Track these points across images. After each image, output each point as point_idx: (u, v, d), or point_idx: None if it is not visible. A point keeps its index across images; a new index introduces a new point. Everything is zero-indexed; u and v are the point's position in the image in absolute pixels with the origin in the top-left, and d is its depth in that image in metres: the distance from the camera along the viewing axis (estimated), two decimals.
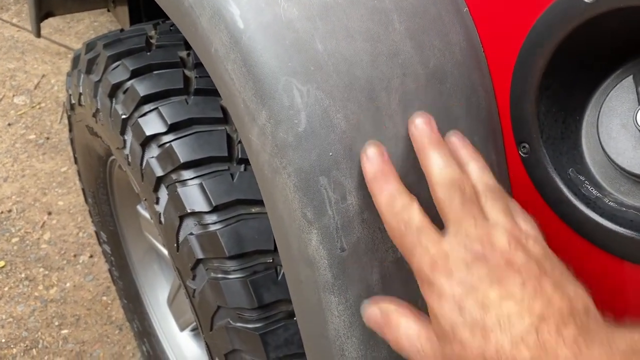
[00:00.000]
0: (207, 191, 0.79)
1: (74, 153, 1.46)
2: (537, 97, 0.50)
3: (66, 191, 2.33)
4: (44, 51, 3.29)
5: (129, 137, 0.90)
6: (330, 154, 0.47)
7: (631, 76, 0.47)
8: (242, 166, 0.83)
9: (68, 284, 1.96)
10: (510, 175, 0.54)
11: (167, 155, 0.83)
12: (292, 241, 0.50)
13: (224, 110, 0.87)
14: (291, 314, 0.79)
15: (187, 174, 0.82)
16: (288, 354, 0.78)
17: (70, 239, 2.12)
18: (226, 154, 0.83)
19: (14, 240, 2.11)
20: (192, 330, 1.51)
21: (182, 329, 1.49)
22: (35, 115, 2.77)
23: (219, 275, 0.79)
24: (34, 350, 1.75)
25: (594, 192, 0.50)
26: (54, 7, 1.53)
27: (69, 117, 1.32)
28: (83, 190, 1.54)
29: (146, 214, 1.39)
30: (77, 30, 3.44)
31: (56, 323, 1.83)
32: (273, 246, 0.79)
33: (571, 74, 0.49)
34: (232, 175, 0.82)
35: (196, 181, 0.81)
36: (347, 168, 0.47)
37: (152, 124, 0.85)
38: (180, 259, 0.84)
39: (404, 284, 0.51)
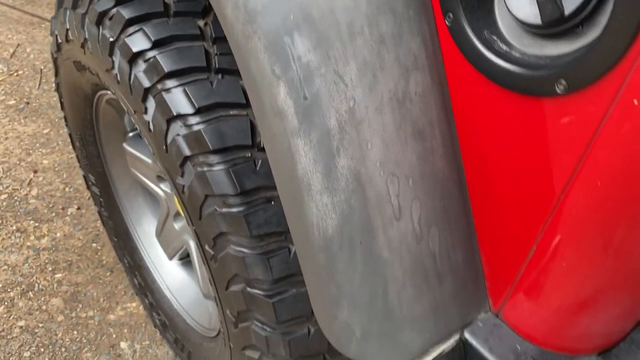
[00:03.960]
0: (190, 95, 0.91)
1: (60, 98, 1.55)
2: None
3: (50, 151, 2.41)
4: (17, 22, 3.32)
5: (117, 57, 1.00)
6: (292, 17, 0.58)
7: None
8: (220, 75, 0.94)
9: (58, 234, 2.06)
10: (441, 41, 0.67)
11: (152, 67, 0.93)
12: (264, 97, 0.62)
13: (201, 29, 0.98)
14: (269, 199, 0.91)
15: (171, 83, 0.92)
16: (268, 232, 0.90)
17: (58, 194, 2.21)
18: (205, 65, 0.94)
19: (3, 197, 2.19)
20: (180, 259, 1.63)
21: (170, 257, 1.60)
22: (13, 82, 2.83)
23: (205, 169, 0.90)
24: (30, 292, 1.85)
25: (504, 47, 0.63)
26: None
27: (54, 61, 1.41)
28: (70, 135, 1.63)
29: (132, 150, 1.49)
30: (49, 1, 3.47)
31: (50, 268, 1.94)
32: (251, 141, 0.91)
33: None
34: (211, 83, 0.93)
35: (180, 88, 0.92)
36: (306, 30, 0.59)
37: (137, 42, 0.96)
38: (169, 159, 0.95)
39: (357, 131, 0.63)
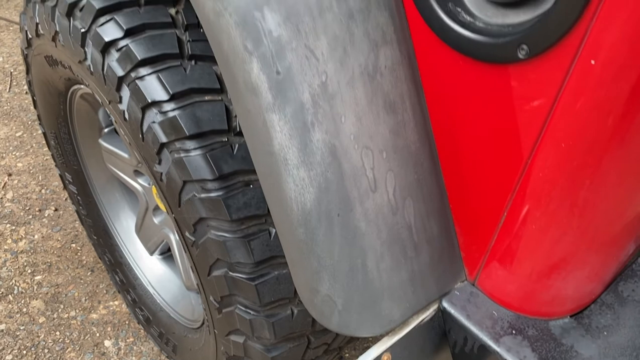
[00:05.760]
0: (164, 82, 0.91)
1: (33, 96, 1.54)
2: None
3: (24, 153, 2.38)
4: None
5: (89, 48, 1.00)
6: None
7: None
8: (193, 61, 0.95)
9: (36, 236, 2.04)
10: (407, 15, 0.68)
11: (125, 56, 0.94)
12: (238, 74, 0.63)
13: (172, 17, 0.98)
14: (247, 183, 0.92)
15: (144, 71, 0.93)
16: (248, 215, 0.91)
17: (34, 196, 2.19)
18: (177, 51, 0.94)
19: None
20: (161, 254, 1.63)
21: (151, 252, 1.60)
22: None
23: (182, 155, 0.91)
24: (9, 296, 1.83)
25: (468, 18, 0.65)
26: None
27: (25, 58, 1.40)
28: (44, 134, 1.62)
29: (108, 146, 1.49)
30: (16, 3, 3.42)
31: (29, 271, 1.92)
32: (227, 126, 0.92)
33: None
34: (184, 69, 0.93)
35: (153, 75, 0.92)
36: (275, 4, 0.60)
37: (109, 32, 0.96)
38: (145, 148, 0.96)
39: (330, 105, 0.64)
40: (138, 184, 1.48)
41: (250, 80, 0.62)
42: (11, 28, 3.22)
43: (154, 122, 0.92)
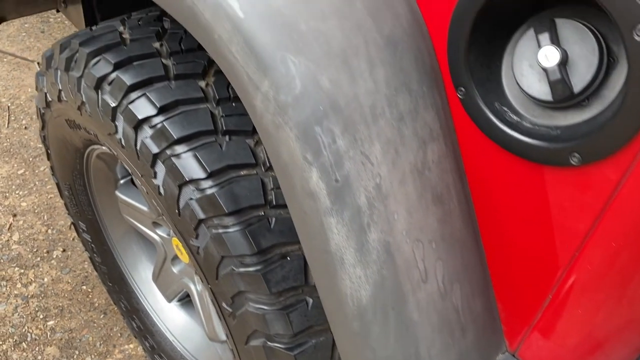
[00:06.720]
0: (201, 160, 0.92)
1: (47, 149, 1.54)
2: (467, 51, 0.66)
3: (27, 192, 2.37)
4: None
5: (120, 123, 1.01)
6: (321, 107, 0.62)
7: (532, 29, 0.64)
8: (227, 137, 0.96)
9: (46, 279, 2.03)
10: (453, 114, 0.71)
11: (160, 134, 0.95)
12: (296, 181, 0.65)
13: (203, 90, 1.00)
14: (284, 255, 0.94)
15: (180, 149, 0.94)
16: (286, 288, 0.92)
17: (40, 237, 2.18)
18: (212, 128, 0.96)
19: None
20: (179, 300, 1.64)
21: (169, 300, 1.61)
22: None
23: (221, 231, 0.92)
24: (23, 343, 1.83)
25: (515, 118, 0.67)
26: (7, 12, 1.58)
27: (42, 115, 1.40)
28: (58, 185, 1.62)
29: (126, 198, 1.49)
30: (9, 33, 3.40)
31: (41, 316, 1.91)
32: (263, 200, 0.93)
33: (490, 31, 0.66)
34: (220, 145, 0.95)
35: (190, 153, 0.93)
36: (334, 118, 0.62)
37: (142, 109, 0.97)
38: (182, 222, 0.97)
39: (385, 205, 0.66)
40: (156, 235, 1.48)
41: (308, 187, 0.64)
42: (5, 59, 3.20)
43: (191, 198, 0.93)
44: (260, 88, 0.62)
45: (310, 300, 0.95)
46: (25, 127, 2.72)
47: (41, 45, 3.32)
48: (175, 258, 1.49)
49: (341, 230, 0.65)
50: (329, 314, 0.75)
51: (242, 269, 0.93)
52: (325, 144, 0.62)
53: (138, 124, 0.97)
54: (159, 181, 0.97)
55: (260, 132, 0.67)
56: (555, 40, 0.61)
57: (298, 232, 0.72)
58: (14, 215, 2.26)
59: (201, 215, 0.93)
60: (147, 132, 0.97)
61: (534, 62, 0.63)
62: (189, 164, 0.93)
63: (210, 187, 0.92)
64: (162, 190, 0.97)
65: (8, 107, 2.84)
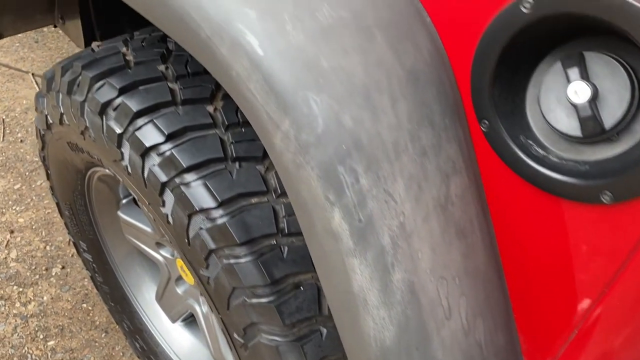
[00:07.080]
0: (212, 189, 0.90)
1: (47, 169, 1.51)
2: (491, 84, 0.64)
3: (24, 208, 2.33)
4: None
5: (126, 149, 0.98)
6: (344, 146, 0.59)
7: (559, 62, 0.62)
8: (237, 164, 0.94)
9: (45, 297, 2.00)
10: (475, 146, 0.69)
11: (168, 162, 0.92)
12: (316, 220, 0.63)
13: (212, 116, 0.97)
14: (297, 285, 0.91)
15: (189, 177, 0.92)
16: (300, 319, 0.90)
17: (39, 254, 2.15)
18: (222, 155, 0.93)
19: None
20: (183, 320, 1.61)
21: (173, 320, 1.58)
22: None
23: (232, 261, 0.90)
24: None
25: (541, 152, 0.65)
26: (4, 29, 1.55)
27: (42, 136, 1.37)
28: (57, 204, 1.59)
29: (128, 219, 1.46)
30: (2, 44, 3.36)
31: (41, 336, 1.88)
32: (275, 228, 0.91)
33: (515, 63, 0.64)
34: (230, 173, 0.92)
35: (199, 181, 0.91)
36: (357, 156, 0.60)
37: (149, 136, 0.94)
38: (192, 252, 0.94)
39: (408, 243, 0.64)
40: (160, 255, 1.46)
41: (330, 227, 0.62)
42: None
43: (201, 228, 0.91)
44: (280, 127, 0.60)
45: (325, 330, 0.92)
46: (21, 141, 2.68)
47: (35, 55, 3.28)
48: (180, 279, 1.46)
49: (364, 271, 0.63)
50: (349, 353, 0.73)
51: (254, 300, 0.90)
52: (348, 184, 0.60)
53: (145, 152, 0.95)
54: (167, 210, 0.95)
55: (279, 170, 0.65)
56: (585, 75, 0.59)
57: (317, 270, 0.70)
58: (12, 232, 2.23)
59: (212, 246, 0.91)
60: (154, 159, 0.94)
61: (562, 97, 0.62)
62: (199, 193, 0.91)
63: (221, 216, 0.90)
64: (170, 220, 0.95)
65: (3, 119, 2.81)
